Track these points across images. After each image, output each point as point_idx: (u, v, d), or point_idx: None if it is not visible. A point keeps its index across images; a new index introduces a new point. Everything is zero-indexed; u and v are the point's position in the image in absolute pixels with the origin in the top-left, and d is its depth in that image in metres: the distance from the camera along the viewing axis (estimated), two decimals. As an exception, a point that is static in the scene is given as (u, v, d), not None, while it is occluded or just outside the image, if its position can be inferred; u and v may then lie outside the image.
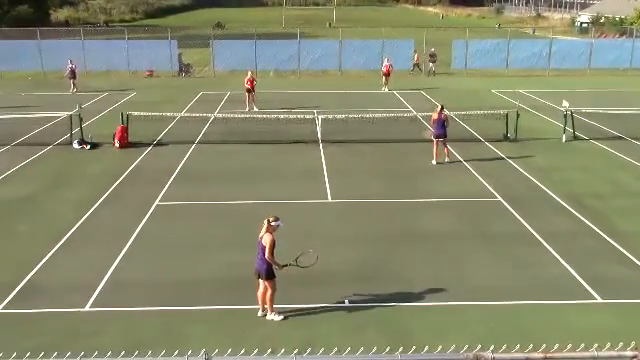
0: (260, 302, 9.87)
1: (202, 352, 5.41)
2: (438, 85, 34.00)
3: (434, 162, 18.39)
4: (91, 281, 11.05)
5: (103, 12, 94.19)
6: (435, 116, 18.33)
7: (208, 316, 9.96)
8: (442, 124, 18.21)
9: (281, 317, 9.82)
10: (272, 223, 9.46)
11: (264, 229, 9.48)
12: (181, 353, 5.96)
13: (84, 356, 5.45)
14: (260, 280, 9.66)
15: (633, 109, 23.54)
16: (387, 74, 32.28)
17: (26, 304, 10.35)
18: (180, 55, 38.05)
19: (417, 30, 47.35)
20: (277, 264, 9.51)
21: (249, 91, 26.53)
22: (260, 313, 9.88)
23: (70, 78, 31.59)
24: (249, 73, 27.15)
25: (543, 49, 38.61)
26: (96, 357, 5.75)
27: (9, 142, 20.95)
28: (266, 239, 9.39)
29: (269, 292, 9.69)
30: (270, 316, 9.81)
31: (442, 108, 18.45)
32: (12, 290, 10.77)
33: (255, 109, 26.04)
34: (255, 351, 6.42)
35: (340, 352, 6.38)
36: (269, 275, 9.54)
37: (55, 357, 5.70)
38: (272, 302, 9.78)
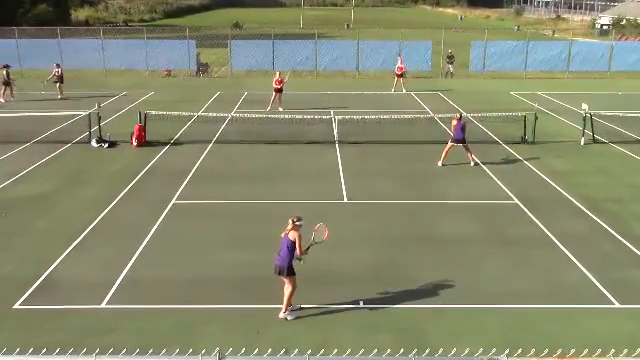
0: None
1: (216, 351, 5.44)
2: (456, 87, 33.82)
3: (440, 164, 18.31)
4: (107, 279, 11.14)
5: (122, 12, 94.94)
6: (455, 122, 18.32)
7: (222, 315, 9.98)
8: (462, 129, 18.17)
9: (293, 317, 9.83)
10: (297, 223, 9.67)
11: (289, 227, 9.65)
12: (195, 352, 5.99)
13: (99, 353, 5.48)
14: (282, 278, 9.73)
15: (654, 112, 23.23)
16: (400, 75, 32.17)
17: (43, 301, 10.46)
18: (198, 55, 38.22)
19: (435, 31, 47.16)
20: (304, 252, 9.73)
21: (278, 91, 26.48)
22: (282, 314, 9.89)
23: (56, 82, 29.66)
24: (277, 73, 27.09)
25: (562, 51, 38.22)
26: (111, 354, 5.79)
27: (28, 140, 21.17)
28: (294, 234, 9.59)
29: (289, 290, 9.74)
30: (283, 315, 9.83)
31: (461, 116, 18.48)
32: (29, 287, 10.89)
33: (280, 109, 26.02)
34: (269, 351, 6.44)
35: (354, 353, 6.39)
36: (290, 271, 9.65)
37: (71, 354, 5.75)
38: (289, 300, 9.83)
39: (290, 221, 9.70)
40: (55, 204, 15.20)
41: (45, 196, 15.75)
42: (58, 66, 30.16)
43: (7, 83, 28.91)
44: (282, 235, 9.74)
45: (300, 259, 9.74)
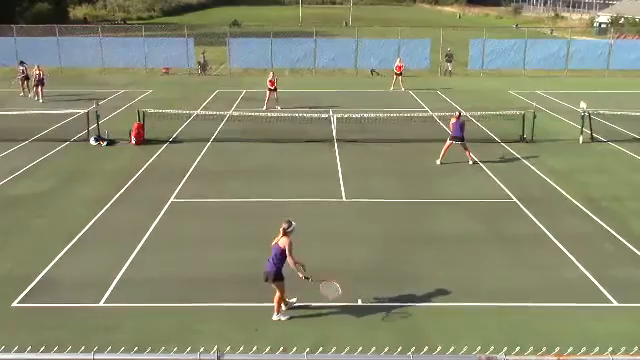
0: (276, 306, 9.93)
1: (214, 349, 5.44)
2: (454, 85, 33.84)
3: (438, 162, 18.33)
4: (106, 277, 11.13)
5: (121, 10, 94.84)
6: (453, 120, 18.31)
7: (221, 313, 9.99)
8: (460, 127, 18.15)
9: (287, 317, 9.83)
10: (288, 230, 9.50)
11: (280, 235, 9.53)
12: (194, 350, 5.99)
13: (98, 351, 5.48)
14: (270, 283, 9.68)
15: (652, 111, 23.25)
16: (399, 73, 32.17)
17: (41, 299, 10.45)
18: (203, 53, 38.10)
19: (434, 29, 47.16)
20: (299, 267, 9.54)
21: (272, 90, 26.45)
22: (275, 316, 9.88)
23: (36, 86, 28.27)
24: (271, 74, 27.04)
25: (561, 49, 38.25)
26: (110, 352, 5.79)
27: (27, 138, 21.15)
28: (284, 241, 9.45)
29: (277, 294, 9.71)
30: (276, 316, 9.81)
31: (459, 114, 18.47)
32: (28, 284, 10.88)
33: (278, 107, 26.02)
34: (267, 349, 6.44)
35: (352, 351, 6.39)
36: (277, 277, 9.53)
37: (69, 351, 5.75)
38: (280, 303, 9.81)
39: (281, 230, 9.52)
40: (53, 202, 15.19)
41: (44, 194, 15.74)
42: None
43: (27, 78, 29.31)
44: (272, 244, 9.61)
45: (308, 278, 9.58)
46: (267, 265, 9.59)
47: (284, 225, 9.53)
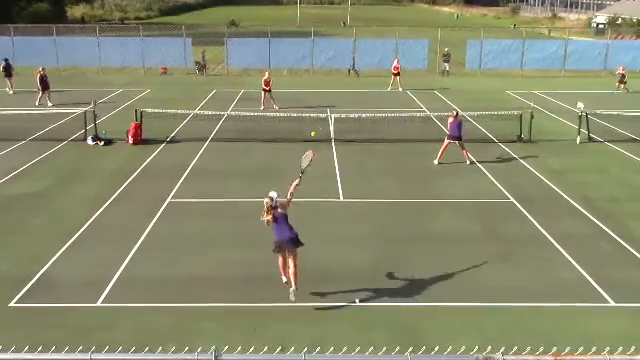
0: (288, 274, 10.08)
1: (212, 349, 5.45)
2: (452, 85, 33.87)
3: (436, 162, 18.33)
4: (103, 277, 11.12)
5: (118, 9, 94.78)
6: (451, 120, 18.31)
7: (219, 313, 9.98)
8: (458, 126, 18.15)
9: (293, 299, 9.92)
10: (274, 204, 9.69)
11: (270, 212, 9.71)
12: (191, 350, 5.99)
13: (95, 351, 5.48)
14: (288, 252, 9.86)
15: (649, 111, 23.31)
16: (397, 73, 32.20)
17: (39, 299, 10.44)
18: (203, 53, 38.06)
19: (432, 30, 47.19)
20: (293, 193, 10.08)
21: (267, 91, 26.47)
22: (293, 289, 9.97)
23: (42, 89, 26.97)
24: (266, 74, 27.05)
25: (559, 50, 38.30)
26: (107, 352, 5.79)
27: (25, 137, 21.12)
28: (283, 207, 9.82)
29: (295, 266, 9.86)
30: (295, 289, 9.91)
31: (457, 114, 18.48)
32: (25, 284, 10.86)
33: (276, 107, 26.02)
34: (265, 349, 6.44)
35: (350, 351, 6.40)
36: (299, 241, 9.83)
37: (67, 351, 5.75)
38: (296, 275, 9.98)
39: (267, 208, 9.70)
40: (51, 202, 15.17)
41: (41, 194, 15.71)
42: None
43: (10, 75, 29.74)
44: (268, 219, 9.76)
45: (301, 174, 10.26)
46: (284, 234, 9.75)
47: (269, 203, 9.69)
